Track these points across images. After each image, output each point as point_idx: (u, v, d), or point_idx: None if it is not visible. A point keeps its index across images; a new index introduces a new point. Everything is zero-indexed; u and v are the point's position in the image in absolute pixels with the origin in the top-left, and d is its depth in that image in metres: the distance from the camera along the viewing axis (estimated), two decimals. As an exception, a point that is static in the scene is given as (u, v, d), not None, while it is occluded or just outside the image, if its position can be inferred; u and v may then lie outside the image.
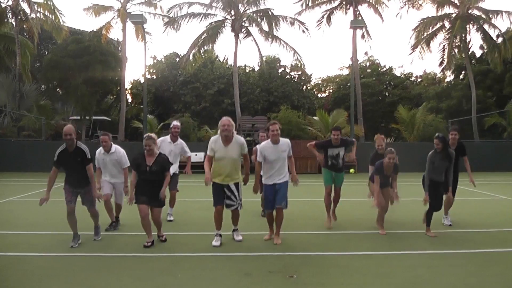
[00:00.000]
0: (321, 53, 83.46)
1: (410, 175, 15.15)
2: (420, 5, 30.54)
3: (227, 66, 40.81)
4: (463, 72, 37.04)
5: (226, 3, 29.22)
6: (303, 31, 29.50)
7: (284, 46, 29.79)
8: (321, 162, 8.53)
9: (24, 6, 28.91)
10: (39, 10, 29.26)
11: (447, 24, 30.32)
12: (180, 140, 9.05)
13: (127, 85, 37.93)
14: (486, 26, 29.15)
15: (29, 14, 28.91)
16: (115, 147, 8.08)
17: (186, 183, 16.85)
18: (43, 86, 33.77)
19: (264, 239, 7.35)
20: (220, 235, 7.03)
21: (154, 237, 6.97)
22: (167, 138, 8.96)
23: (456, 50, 30.80)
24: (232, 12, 29.65)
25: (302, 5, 30.80)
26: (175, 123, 9.09)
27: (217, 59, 41.56)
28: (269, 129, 7.14)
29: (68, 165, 6.69)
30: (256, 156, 7.62)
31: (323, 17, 30.78)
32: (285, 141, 7.20)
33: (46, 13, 29.49)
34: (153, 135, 7.10)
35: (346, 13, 30.94)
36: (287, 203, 7.18)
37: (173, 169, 8.63)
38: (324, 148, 8.41)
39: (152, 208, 6.86)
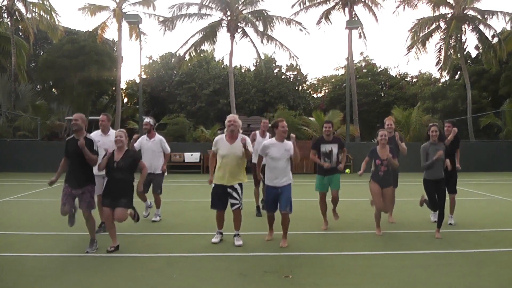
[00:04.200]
0: (317, 53, 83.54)
1: (405, 175, 15.15)
2: (415, 5, 30.63)
3: (222, 66, 40.79)
4: (458, 72, 37.16)
5: (222, 3, 29.17)
6: (300, 30, 29.51)
7: (279, 47, 29.81)
8: (322, 164, 8.31)
9: (20, 6, 28.87)
10: (34, 10, 29.20)
11: (442, 25, 30.40)
12: (157, 136, 8.96)
13: (123, 85, 37.87)
14: (481, 27, 29.24)
15: (24, 14, 28.85)
16: (112, 130, 7.89)
17: (182, 183, 16.85)
18: (38, 86, 33.68)
19: (266, 239, 7.31)
20: (221, 233, 7.11)
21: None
22: (144, 136, 8.94)
23: (451, 51, 30.88)
24: (228, 13, 29.62)
25: (299, 4, 30.91)
26: (146, 120, 9.03)
27: (212, 59, 41.52)
28: (278, 126, 7.05)
29: (72, 154, 6.49)
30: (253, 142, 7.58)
31: (321, 17, 30.89)
32: (288, 142, 7.11)
33: (42, 13, 29.43)
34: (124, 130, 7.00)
35: (342, 13, 31.07)
36: (292, 207, 7.07)
37: (155, 168, 8.64)
38: (316, 146, 8.19)
39: (115, 210, 6.54)
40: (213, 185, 6.98)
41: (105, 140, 7.63)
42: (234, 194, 6.88)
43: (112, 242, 6.67)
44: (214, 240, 7.08)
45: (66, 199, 6.51)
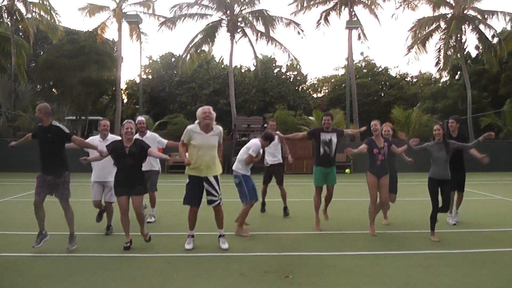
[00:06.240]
0: (317, 53, 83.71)
1: (405, 175, 15.16)
2: (416, 5, 30.59)
3: (222, 66, 40.79)
4: (458, 72, 37.16)
5: (222, 3, 29.16)
6: (298, 33, 29.48)
7: (279, 47, 29.78)
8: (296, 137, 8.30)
9: (20, 6, 28.87)
10: (34, 10, 29.24)
11: (442, 25, 30.39)
12: (149, 133, 8.90)
13: (123, 85, 37.89)
14: (481, 27, 29.24)
15: (24, 14, 28.85)
16: (110, 135, 7.81)
17: (182, 184, 16.83)
18: (38, 86, 33.68)
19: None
20: (193, 236, 6.77)
21: (132, 236, 6.87)
22: (136, 135, 8.89)
23: (451, 51, 30.85)
24: (228, 13, 29.61)
25: (297, 5, 30.81)
26: (139, 118, 8.97)
27: (212, 59, 41.53)
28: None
29: (41, 142, 6.52)
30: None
31: (321, 17, 30.81)
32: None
33: (42, 13, 29.45)
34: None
35: (340, 14, 30.99)
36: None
37: (149, 166, 8.43)
38: (316, 135, 8.06)
39: (132, 197, 6.53)
40: (187, 180, 6.69)
41: (104, 146, 7.55)
42: (211, 190, 6.54)
43: (126, 238, 6.69)
44: (187, 246, 6.66)
45: (41, 188, 6.51)
